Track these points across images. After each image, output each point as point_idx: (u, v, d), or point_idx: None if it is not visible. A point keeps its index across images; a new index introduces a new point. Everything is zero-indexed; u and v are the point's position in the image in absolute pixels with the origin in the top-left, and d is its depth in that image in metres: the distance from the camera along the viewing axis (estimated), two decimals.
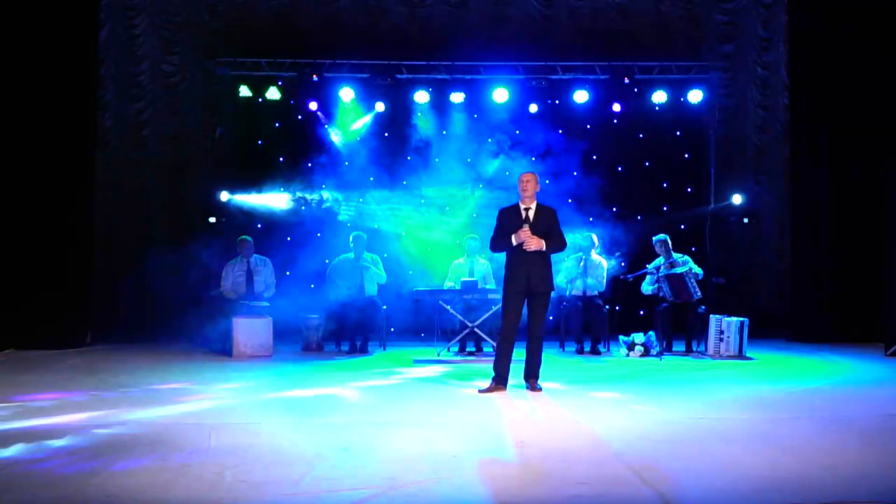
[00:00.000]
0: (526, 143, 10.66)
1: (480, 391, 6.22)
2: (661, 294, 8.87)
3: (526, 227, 6.24)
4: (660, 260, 9.08)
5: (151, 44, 10.34)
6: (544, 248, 6.27)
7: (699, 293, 8.76)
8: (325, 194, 10.65)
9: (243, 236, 9.44)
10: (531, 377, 6.33)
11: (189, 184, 10.54)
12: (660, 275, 8.82)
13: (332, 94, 10.59)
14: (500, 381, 6.28)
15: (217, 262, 9.46)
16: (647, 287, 9.10)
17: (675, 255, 9.09)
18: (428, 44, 10.43)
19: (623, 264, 9.95)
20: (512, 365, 6.33)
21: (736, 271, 9.71)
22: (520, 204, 6.41)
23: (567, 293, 9.19)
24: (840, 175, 9.67)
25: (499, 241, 6.42)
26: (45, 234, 8.99)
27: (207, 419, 5.18)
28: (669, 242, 9.07)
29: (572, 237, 9.73)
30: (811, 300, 9.77)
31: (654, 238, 9.14)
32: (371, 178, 10.73)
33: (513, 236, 6.25)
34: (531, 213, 6.34)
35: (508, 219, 6.39)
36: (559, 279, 9.29)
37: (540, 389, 6.23)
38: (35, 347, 8.67)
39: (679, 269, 8.83)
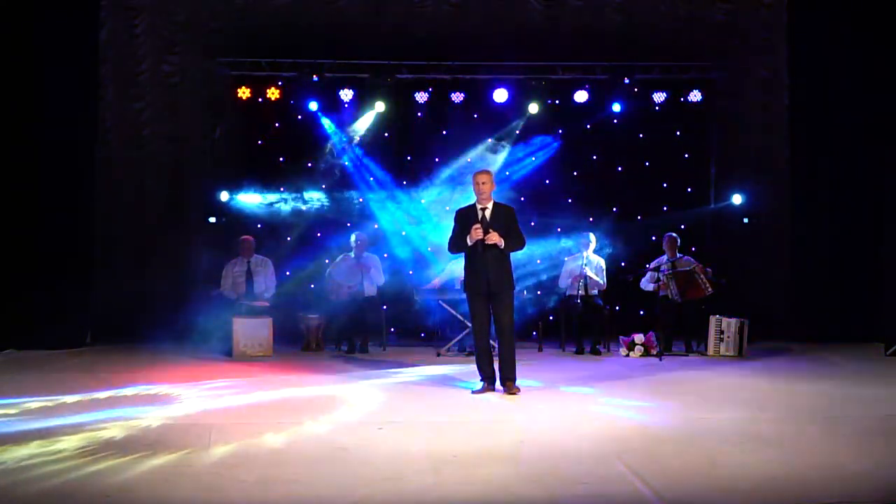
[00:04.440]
0: (526, 144, 10.66)
1: (473, 392, 6.26)
2: (662, 293, 8.88)
3: (477, 226, 6.16)
4: (662, 258, 9.10)
5: (151, 44, 10.32)
6: (502, 245, 6.18)
7: (710, 289, 8.73)
8: (325, 194, 10.64)
9: (244, 236, 9.44)
10: (507, 380, 6.22)
11: (189, 184, 10.52)
12: (664, 273, 8.82)
13: (332, 94, 10.58)
14: (489, 383, 6.30)
15: (217, 263, 9.45)
16: (647, 284, 9.11)
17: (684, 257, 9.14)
18: (428, 44, 10.40)
19: (623, 264, 9.96)
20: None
21: (736, 271, 9.68)
22: (476, 204, 6.34)
23: (567, 293, 9.19)
24: (840, 175, 9.66)
25: (456, 242, 6.36)
26: (45, 233, 8.97)
27: (207, 419, 5.19)
28: (678, 241, 9.13)
29: (571, 238, 9.78)
30: (811, 300, 9.74)
31: (665, 234, 9.24)
32: (371, 179, 10.72)
33: (467, 236, 6.20)
34: (488, 213, 6.28)
35: (465, 219, 6.31)
36: (561, 282, 9.32)
37: (518, 390, 6.17)
38: (35, 347, 8.65)
39: (684, 269, 8.84)
